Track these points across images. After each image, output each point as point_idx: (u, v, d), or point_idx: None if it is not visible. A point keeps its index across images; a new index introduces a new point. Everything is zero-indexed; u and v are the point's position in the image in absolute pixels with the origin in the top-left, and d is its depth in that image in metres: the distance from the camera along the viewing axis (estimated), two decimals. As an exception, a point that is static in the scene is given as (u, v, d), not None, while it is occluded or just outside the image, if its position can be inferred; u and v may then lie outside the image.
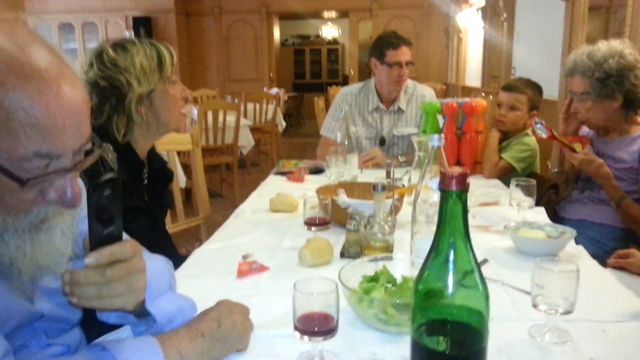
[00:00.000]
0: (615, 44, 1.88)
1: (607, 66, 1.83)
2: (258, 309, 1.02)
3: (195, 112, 4.72)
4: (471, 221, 1.62)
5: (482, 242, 1.46)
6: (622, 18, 3.02)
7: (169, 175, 1.68)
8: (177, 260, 1.45)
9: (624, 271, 1.92)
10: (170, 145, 2.18)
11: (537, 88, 2.44)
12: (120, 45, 1.39)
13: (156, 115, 1.43)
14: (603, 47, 1.87)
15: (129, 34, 9.37)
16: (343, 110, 2.15)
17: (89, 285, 0.76)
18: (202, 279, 1.25)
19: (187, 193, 3.95)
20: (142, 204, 1.48)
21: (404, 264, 1.14)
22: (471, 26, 7.62)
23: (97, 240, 0.77)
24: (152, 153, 1.58)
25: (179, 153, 3.19)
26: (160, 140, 1.91)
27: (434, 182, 1.15)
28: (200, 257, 1.39)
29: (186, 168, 3.65)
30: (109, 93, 1.37)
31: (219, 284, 1.21)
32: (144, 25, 9.53)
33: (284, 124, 7.55)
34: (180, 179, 3.26)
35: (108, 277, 0.76)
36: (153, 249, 1.34)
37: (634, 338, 0.97)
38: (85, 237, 0.77)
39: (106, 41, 1.42)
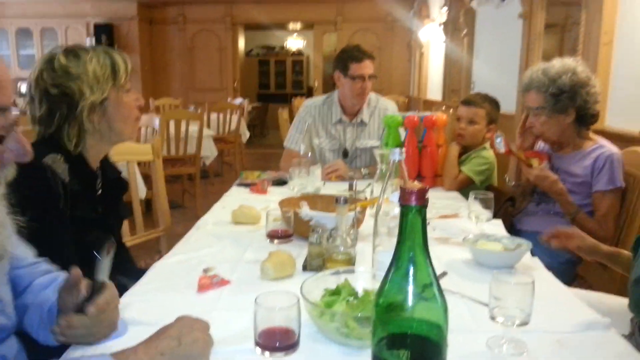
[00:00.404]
0: (569, 62, 1.95)
1: (560, 82, 1.90)
2: (219, 324, 1.00)
3: (156, 121, 4.65)
4: (431, 233, 1.66)
5: (442, 254, 1.49)
6: (576, 36, 3.15)
7: (123, 185, 1.64)
8: (136, 273, 1.42)
9: (578, 283, 1.99)
10: (130, 155, 2.14)
11: (494, 103, 2.52)
12: (72, 52, 1.34)
13: (109, 124, 1.39)
14: (557, 64, 1.95)
15: (89, 40, 9.17)
16: (306, 123, 2.16)
17: (82, 328, 0.87)
18: (161, 293, 1.22)
19: (148, 204, 3.88)
20: (95, 216, 1.44)
21: (366, 277, 1.15)
22: (433, 41, 7.79)
23: (94, 290, 0.89)
24: (106, 163, 1.54)
25: (139, 163, 3.13)
26: (120, 151, 1.88)
27: (395, 196, 1.16)
28: (159, 271, 1.36)
29: (147, 178, 3.58)
30: (60, 101, 1.32)
31: (179, 298, 1.19)
32: (105, 32, 9.35)
33: (247, 134, 7.52)
34: (140, 190, 3.19)
35: (99, 320, 0.87)
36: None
37: (588, 348, 1.00)
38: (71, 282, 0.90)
39: (57, 48, 1.37)
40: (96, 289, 0.90)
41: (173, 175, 4.93)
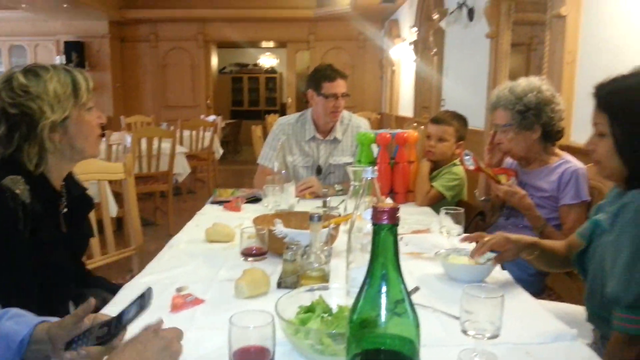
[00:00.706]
0: (534, 80, 2.02)
1: (526, 100, 1.96)
2: (193, 344, 1.00)
3: (128, 139, 4.60)
4: (404, 248, 1.68)
5: (415, 269, 1.51)
6: (541, 55, 3.25)
7: (89, 202, 1.61)
8: (112, 289, 1.41)
9: (546, 294, 2.04)
10: (101, 174, 2.11)
11: (462, 120, 2.58)
12: (31, 71, 1.33)
13: (71, 143, 1.37)
14: (523, 82, 2.01)
15: (59, 58, 9.06)
16: (280, 140, 2.17)
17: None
18: (133, 314, 1.20)
19: (119, 222, 3.81)
20: (59, 235, 1.41)
21: (340, 293, 1.16)
22: (404, 59, 7.94)
23: (118, 324, 0.96)
24: (70, 180, 1.51)
25: (110, 181, 3.09)
26: (91, 169, 1.86)
27: (368, 213, 1.18)
28: (131, 291, 1.34)
29: (118, 196, 3.53)
30: (19, 120, 1.29)
31: (151, 319, 1.17)
32: (76, 50, 9.26)
33: (221, 151, 7.49)
34: (111, 208, 3.14)
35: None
36: (73, 280, 1.29)
37: (556, 359, 1.02)
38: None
39: (16, 67, 1.36)
40: (121, 325, 0.96)
41: (145, 192, 4.88)
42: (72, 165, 1.48)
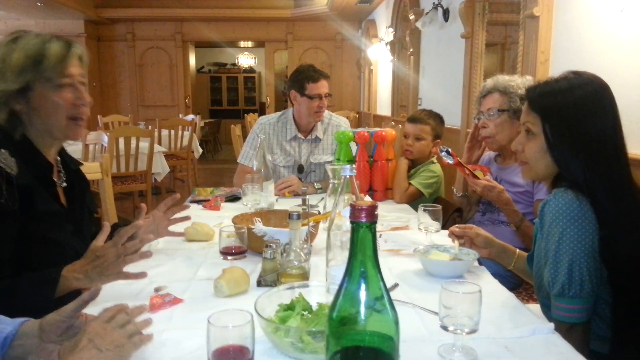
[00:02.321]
0: (529, 78, 2.08)
1: (522, 91, 1.99)
2: (171, 344, 0.99)
3: (105, 138, 4.54)
4: (383, 245, 1.69)
5: (394, 266, 1.52)
6: (515, 54, 3.30)
7: (85, 179, 1.58)
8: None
9: (523, 289, 2.07)
10: (77, 174, 2.07)
11: (439, 118, 2.61)
12: (14, 37, 1.31)
13: (40, 118, 1.32)
14: (517, 78, 2.06)
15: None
16: (260, 139, 2.17)
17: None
18: (111, 315, 1.19)
19: (97, 222, 3.75)
20: (59, 209, 1.37)
21: (320, 291, 1.16)
22: (381, 59, 7.98)
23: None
24: (65, 155, 1.49)
25: (86, 182, 3.04)
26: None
27: (347, 211, 1.18)
28: (109, 291, 1.32)
29: (96, 196, 3.48)
30: None
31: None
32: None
33: (200, 150, 7.44)
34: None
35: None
36: (79, 256, 1.26)
37: (534, 352, 1.04)
38: None
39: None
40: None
41: (123, 192, 4.82)
42: (56, 142, 1.42)
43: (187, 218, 1.68)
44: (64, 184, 1.45)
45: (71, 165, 1.50)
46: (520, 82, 2.03)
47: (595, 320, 1.27)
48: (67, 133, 1.38)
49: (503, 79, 2.06)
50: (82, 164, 1.59)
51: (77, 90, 1.35)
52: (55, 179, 1.42)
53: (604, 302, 1.25)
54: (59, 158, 1.47)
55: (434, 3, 4.77)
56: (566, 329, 1.20)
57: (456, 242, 1.55)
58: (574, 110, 1.26)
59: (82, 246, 1.33)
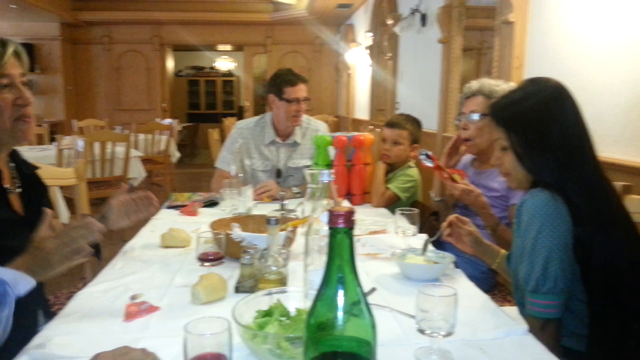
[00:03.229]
0: (513, 84, 2.10)
1: None
2: (147, 352, 0.97)
3: (80, 143, 4.47)
4: (360, 249, 1.70)
5: (372, 270, 1.53)
6: (491, 59, 3.36)
7: (42, 183, 1.53)
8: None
9: (498, 290, 2.10)
10: (51, 180, 2.04)
11: (416, 123, 2.64)
12: None
13: None
14: (502, 83, 2.08)
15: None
16: (238, 143, 2.16)
17: None
18: (84, 324, 1.16)
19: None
20: (12, 215, 1.33)
21: (298, 296, 1.15)
22: (359, 63, 8.02)
23: None
24: (17, 159, 1.44)
25: (62, 186, 2.99)
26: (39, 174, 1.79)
27: (325, 215, 1.18)
28: (83, 300, 1.30)
29: (70, 201, 3.42)
30: None
31: (104, 328, 1.14)
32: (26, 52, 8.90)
33: (178, 154, 7.37)
34: (63, 214, 3.04)
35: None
36: None
37: (509, 353, 1.05)
38: None
39: None
40: None
41: (99, 197, 4.75)
42: (5, 147, 1.37)
43: (148, 197, 1.58)
44: (18, 190, 1.40)
45: (25, 170, 1.45)
46: (505, 87, 2.06)
47: (570, 317, 1.29)
48: (15, 135, 1.32)
49: (489, 82, 2.08)
50: (38, 167, 1.53)
51: (18, 90, 1.30)
52: (8, 185, 1.37)
53: (577, 300, 1.28)
54: (12, 164, 1.42)
55: (411, 8, 4.82)
56: (540, 325, 1.23)
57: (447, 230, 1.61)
58: (533, 116, 1.29)
59: None
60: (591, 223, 1.23)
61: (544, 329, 1.23)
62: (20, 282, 0.93)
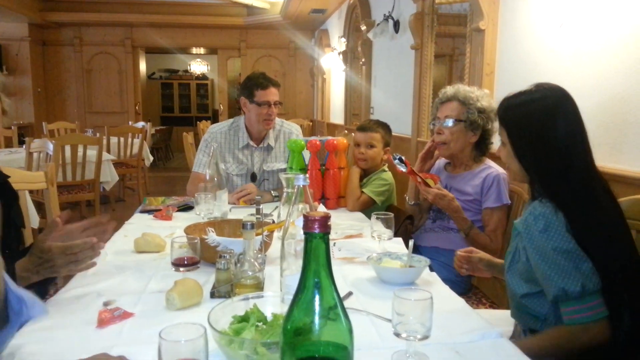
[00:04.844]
0: (487, 91, 2.15)
1: (483, 103, 2.07)
2: None
3: (50, 146, 4.37)
4: (337, 253, 1.71)
5: (348, 274, 1.53)
6: (463, 66, 3.41)
7: (13, 192, 1.51)
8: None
9: (472, 293, 2.13)
10: (20, 184, 1.99)
11: (386, 127, 2.68)
12: None
13: None
14: (477, 90, 2.12)
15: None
16: (212, 147, 2.14)
17: None
18: (56, 332, 1.13)
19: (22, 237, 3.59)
20: None
21: (275, 301, 1.15)
22: (334, 68, 8.06)
23: None
24: None
25: (31, 191, 2.92)
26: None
27: (301, 220, 1.18)
28: (54, 307, 1.27)
29: (40, 205, 3.34)
30: None
31: (76, 335, 1.11)
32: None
33: (151, 158, 7.27)
34: (33, 219, 2.97)
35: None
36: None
37: (483, 355, 1.07)
38: None
39: None
40: None
41: (70, 202, 4.66)
42: None
43: (100, 224, 1.45)
44: None
45: None
46: (479, 94, 2.09)
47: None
48: None
49: (464, 89, 2.11)
50: (8, 176, 1.51)
51: None
52: None
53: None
54: None
55: (384, 15, 4.87)
56: (578, 331, 1.22)
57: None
58: (534, 121, 1.32)
59: (9, 262, 1.28)
60: (584, 230, 1.24)
61: (586, 332, 1.21)
62: (36, 307, 0.90)
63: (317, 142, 2.48)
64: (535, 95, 1.34)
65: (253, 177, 2.73)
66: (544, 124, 1.30)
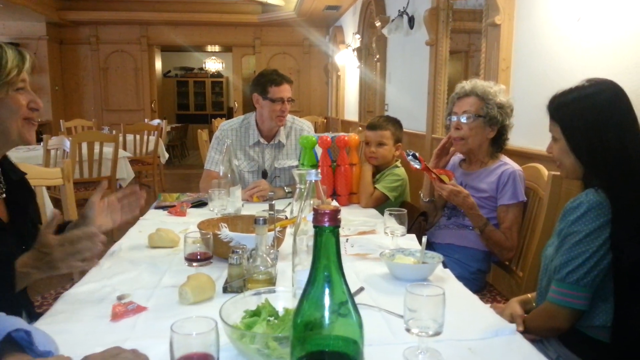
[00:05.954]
0: (503, 87, 2.13)
1: (499, 100, 2.05)
2: (134, 353, 0.96)
3: (67, 143, 4.43)
4: (350, 250, 1.70)
5: (361, 270, 1.53)
6: (478, 62, 3.38)
7: (29, 189, 1.53)
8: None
9: (487, 291, 2.11)
10: (38, 180, 2.02)
11: (397, 123, 2.66)
12: None
13: None
14: (494, 85, 2.10)
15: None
16: (225, 144, 2.15)
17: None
18: (70, 324, 1.15)
19: (58, 230, 3.65)
20: (2, 221, 1.33)
21: (286, 296, 1.15)
22: (348, 65, 8.04)
23: None
24: (6, 164, 1.44)
25: (49, 187, 2.96)
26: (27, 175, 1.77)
27: (312, 215, 1.18)
28: (69, 300, 1.29)
29: (57, 202, 3.39)
30: None
31: (90, 329, 1.13)
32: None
33: (166, 155, 7.34)
34: (50, 215, 3.01)
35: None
36: None
37: (497, 353, 1.06)
38: None
39: None
40: None
41: (86, 198, 4.71)
42: (3, 149, 1.39)
43: (135, 193, 1.63)
44: (3, 195, 1.39)
45: (12, 176, 1.44)
46: (497, 89, 2.07)
47: (596, 310, 1.33)
48: (23, 136, 1.35)
49: (482, 83, 2.09)
50: (25, 173, 1.53)
51: (31, 95, 1.37)
52: None
53: (605, 292, 1.31)
54: None
55: (399, 10, 4.83)
56: (553, 310, 1.33)
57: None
58: (589, 116, 1.34)
59: None
60: (629, 225, 1.26)
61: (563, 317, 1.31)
62: (47, 343, 0.92)
63: (328, 139, 2.47)
64: (589, 91, 1.36)
65: (264, 174, 2.73)
66: (599, 119, 1.31)
